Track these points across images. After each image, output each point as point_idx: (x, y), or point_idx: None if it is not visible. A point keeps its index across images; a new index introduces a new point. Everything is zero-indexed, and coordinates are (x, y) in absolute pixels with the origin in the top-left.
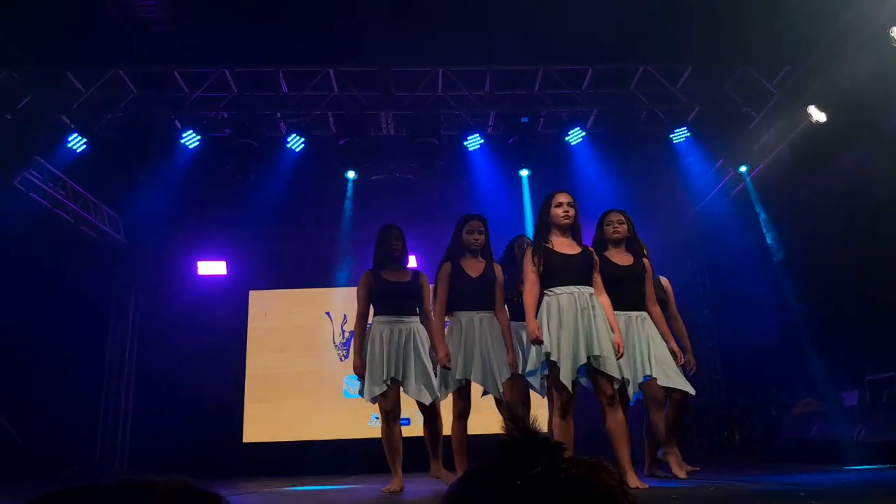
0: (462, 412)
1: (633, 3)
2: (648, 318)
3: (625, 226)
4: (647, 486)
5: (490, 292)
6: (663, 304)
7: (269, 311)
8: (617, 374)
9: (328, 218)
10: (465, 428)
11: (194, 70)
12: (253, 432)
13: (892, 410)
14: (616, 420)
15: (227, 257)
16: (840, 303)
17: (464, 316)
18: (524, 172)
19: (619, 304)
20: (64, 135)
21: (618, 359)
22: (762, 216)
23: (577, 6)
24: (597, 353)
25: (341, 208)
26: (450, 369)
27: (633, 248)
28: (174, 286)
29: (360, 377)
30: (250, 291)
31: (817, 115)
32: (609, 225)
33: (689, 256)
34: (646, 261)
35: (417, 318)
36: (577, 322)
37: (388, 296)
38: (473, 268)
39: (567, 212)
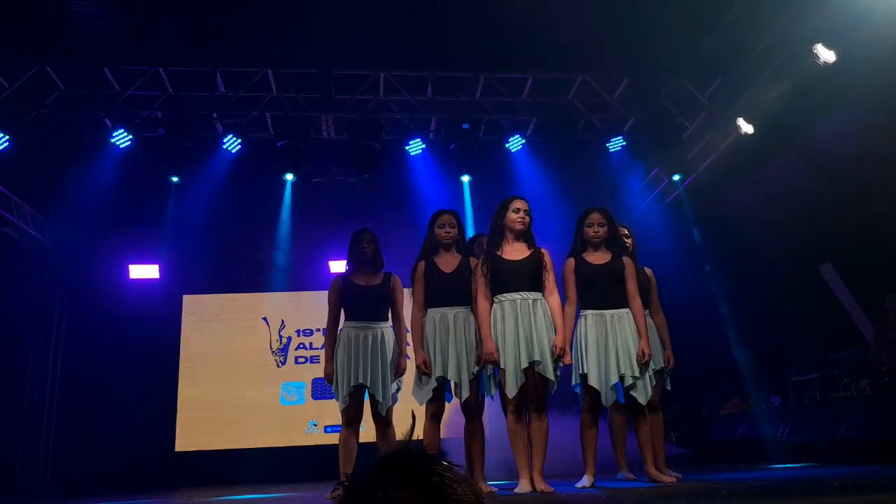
0: (435, 413)
1: (572, 14)
2: (626, 315)
3: (605, 227)
4: (552, 489)
5: (465, 288)
6: (646, 292)
7: (203, 316)
8: (552, 377)
9: (265, 220)
10: (437, 430)
11: (126, 68)
12: (186, 441)
13: (813, 411)
14: (538, 426)
15: (160, 261)
16: (766, 307)
17: (436, 312)
18: (465, 178)
19: (593, 303)
20: None
21: (557, 360)
22: (694, 223)
23: (518, 16)
24: (537, 358)
25: (278, 211)
26: (428, 375)
27: (612, 246)
28: (104, 290)
29: (331, 383)
30: (184, 296)
31: (745, 126)
32: (590, 227)
33: None
34: (625, 258)
35: (387, 323)
36: (517, 329)
37: (356, 300)
38: (447, 263)
39: (523, 218)
